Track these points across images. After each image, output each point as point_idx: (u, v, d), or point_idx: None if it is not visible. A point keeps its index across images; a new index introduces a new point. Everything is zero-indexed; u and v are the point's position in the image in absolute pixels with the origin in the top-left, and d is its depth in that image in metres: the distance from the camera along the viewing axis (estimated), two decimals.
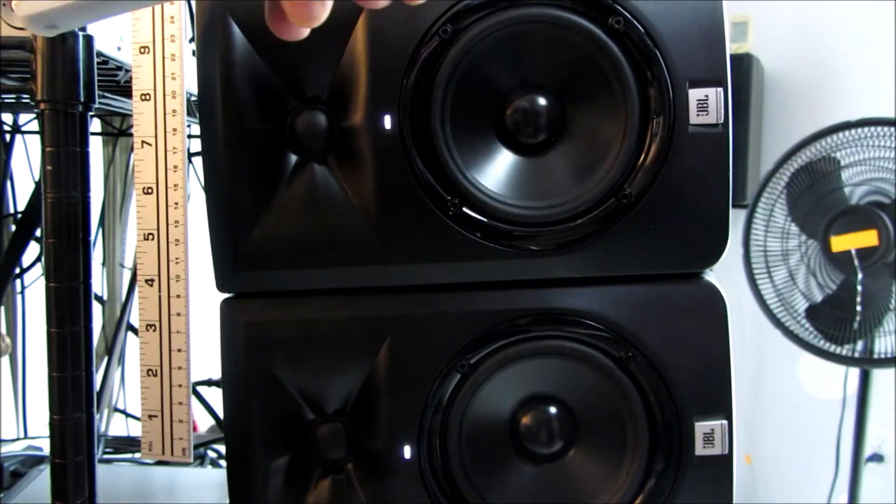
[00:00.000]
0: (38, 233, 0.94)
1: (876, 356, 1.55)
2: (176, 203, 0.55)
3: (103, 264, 1.16)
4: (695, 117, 0.52)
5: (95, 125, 1.10)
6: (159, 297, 0.56)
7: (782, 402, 2.13)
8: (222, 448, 1.04)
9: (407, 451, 0.54)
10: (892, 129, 1.50)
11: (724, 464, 0.54)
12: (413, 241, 0.53)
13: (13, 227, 1.02)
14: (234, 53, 0.51)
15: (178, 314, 0.56)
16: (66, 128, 0.52)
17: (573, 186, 0.53)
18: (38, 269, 1.06)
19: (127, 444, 1.10)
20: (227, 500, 0.54)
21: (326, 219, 0.52)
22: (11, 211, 1.04)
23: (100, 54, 0.57)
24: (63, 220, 0.53)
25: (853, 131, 1.53)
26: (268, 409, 0.53)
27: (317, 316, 0.54)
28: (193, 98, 0.61)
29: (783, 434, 2.13)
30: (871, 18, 1.97)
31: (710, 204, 0.53)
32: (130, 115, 0.56)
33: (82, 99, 0.53)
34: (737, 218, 1.37)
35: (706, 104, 0.52)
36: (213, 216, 0.52)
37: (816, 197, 1.58)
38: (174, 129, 0.55)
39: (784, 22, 2.08)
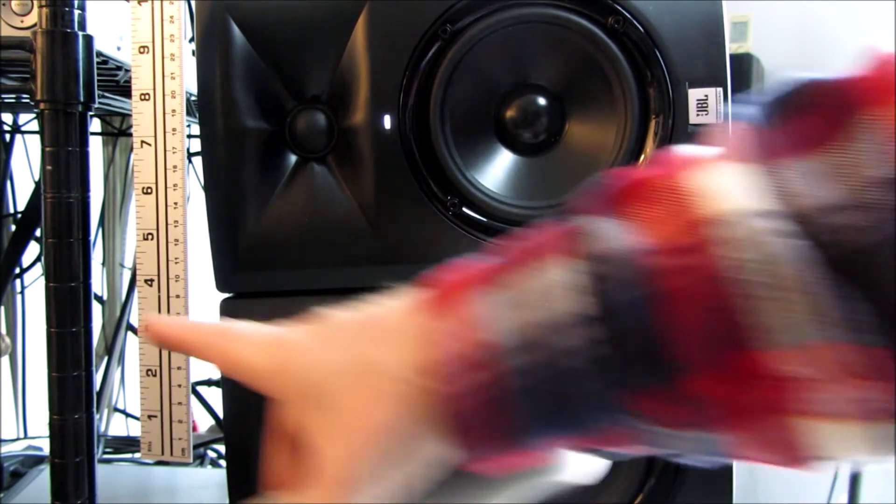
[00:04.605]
0: (38, 233, 0.94)
1: None
2: (175, 203, 0.55)
3: (103, 264, 1.16)
4: (694, 117, 0.52)
5: (95, 125, 1.10)
6: (159, 297, 0.56)
7: None
8: (222, 448, 1.04)
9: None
10: None
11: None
12: (413, 241, 0.53)
13: (13, 227, 1.02)
14: (234, 53, 0.51)
15: (178, 314, 0.56)
16: (66, 128, 0.52)
17: (573, 186, 0.53)
18: (38, 269, 1.06)
19: (127, 444, 1.10)
20: (227, 500, 0.54)
21: (326, 219, 0.52)
22: (11, 211, 1.04)
23: (99, 54, 0.57)
24: (63, 220, 0.53)
25: None
26: (267, 409, 0.53)
27: None
28: (193, 98, 0.61)
29: None
30: (871, 18, 1.97)
31: None
32: (130, 115, 0.55)
33: (82, 99, 0.53)
34: None
35: (706, 104, 0.52)
36: (213, 216, 0.52)
37: None
38: (173, 129, 0.55)
39: (784, 22, 2.08)
